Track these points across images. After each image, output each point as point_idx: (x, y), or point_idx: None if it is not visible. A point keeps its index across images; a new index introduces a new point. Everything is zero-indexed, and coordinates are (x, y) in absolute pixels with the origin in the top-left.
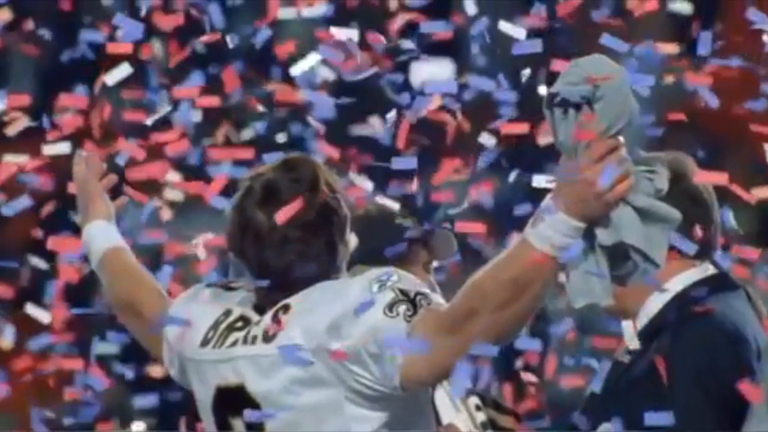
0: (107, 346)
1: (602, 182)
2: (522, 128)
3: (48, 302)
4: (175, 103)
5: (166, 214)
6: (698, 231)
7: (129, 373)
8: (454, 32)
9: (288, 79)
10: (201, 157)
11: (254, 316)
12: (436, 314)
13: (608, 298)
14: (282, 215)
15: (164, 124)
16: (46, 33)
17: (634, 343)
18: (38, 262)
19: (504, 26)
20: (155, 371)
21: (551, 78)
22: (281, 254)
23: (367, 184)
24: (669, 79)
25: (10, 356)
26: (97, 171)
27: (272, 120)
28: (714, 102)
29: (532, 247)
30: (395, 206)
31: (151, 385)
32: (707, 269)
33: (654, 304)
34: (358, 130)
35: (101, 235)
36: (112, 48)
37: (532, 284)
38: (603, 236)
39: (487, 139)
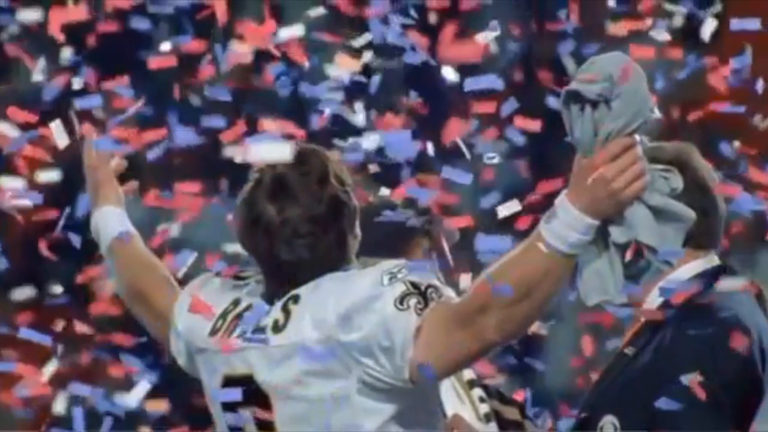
0: None
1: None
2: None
3: None
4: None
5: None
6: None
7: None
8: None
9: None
10: None
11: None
12: (447, 308)
13: (621, 296)
14: None
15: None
16: None
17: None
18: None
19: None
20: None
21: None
22: (292, 248)
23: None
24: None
25: None
26: (107, 156)
27: None
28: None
29: (546, 244)
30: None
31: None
32: (712, 260)
33: (658, 294)
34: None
35: (111, 221)
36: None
37: (545, 280)
38: (617, 234)
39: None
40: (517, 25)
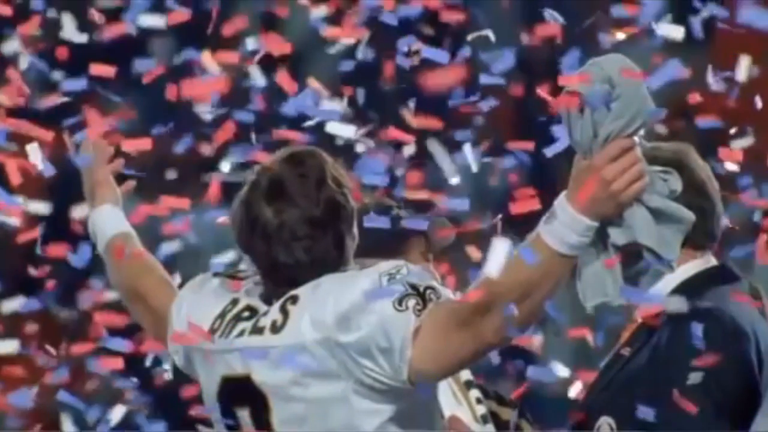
0: None
1: None
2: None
3: None
4: None
5: None
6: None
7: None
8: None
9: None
10: None
11: (262, 307)
12: (446, 309)
13: (620, 298)
14: None
15: None
16: None
17: None
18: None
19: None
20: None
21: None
22: (289, 251)
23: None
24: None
25: None
26: (105, 156)
27: None
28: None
29: (546, 245)
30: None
31: None
32: (709, 260)
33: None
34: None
35: (108, 220)
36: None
37: (545, 282)
38: (616, 236)
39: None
40: (516, 33)
